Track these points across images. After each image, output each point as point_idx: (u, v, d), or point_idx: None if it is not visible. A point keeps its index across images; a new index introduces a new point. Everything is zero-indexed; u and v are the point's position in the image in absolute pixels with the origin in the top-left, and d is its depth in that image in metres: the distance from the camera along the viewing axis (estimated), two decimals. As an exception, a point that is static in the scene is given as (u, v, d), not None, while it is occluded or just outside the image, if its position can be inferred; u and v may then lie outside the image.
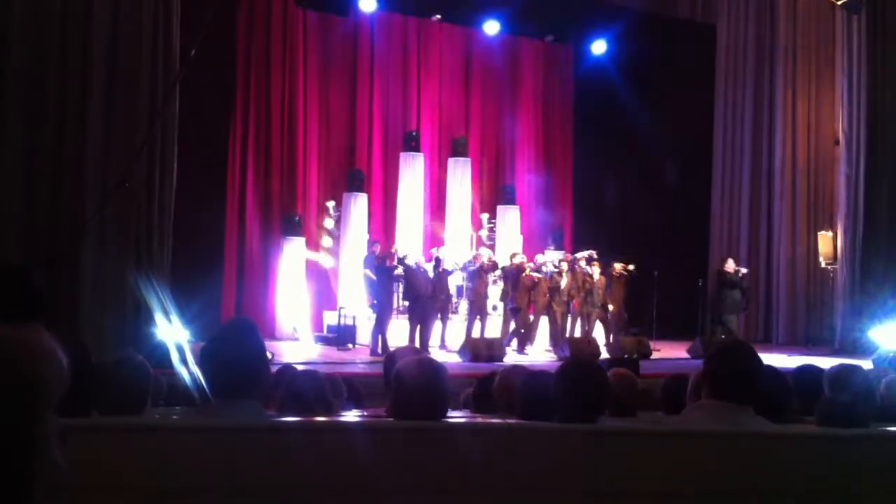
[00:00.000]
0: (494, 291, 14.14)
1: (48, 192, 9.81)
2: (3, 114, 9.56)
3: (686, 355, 13.69)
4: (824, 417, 3.49)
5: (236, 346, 2.87)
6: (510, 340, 13.40)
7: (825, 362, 5.23)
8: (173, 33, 10.67)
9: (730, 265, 14.91)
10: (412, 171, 16.47)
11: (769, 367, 3.77)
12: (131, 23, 10.27)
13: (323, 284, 15.95)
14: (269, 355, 3.54)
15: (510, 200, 17.30)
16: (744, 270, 15.08)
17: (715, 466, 2.93)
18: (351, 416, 3.98)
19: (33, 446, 1.10)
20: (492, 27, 17.68)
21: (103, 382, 3.35)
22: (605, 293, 14.21)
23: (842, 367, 4.63)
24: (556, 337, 13.63)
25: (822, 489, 2.96)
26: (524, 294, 13.32)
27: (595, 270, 14.10)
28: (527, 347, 13.50)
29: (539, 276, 13.52)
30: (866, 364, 7.02)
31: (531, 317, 13.74)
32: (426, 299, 12.63)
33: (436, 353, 11.68)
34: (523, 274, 13.31)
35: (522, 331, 13.49)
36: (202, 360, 2.87)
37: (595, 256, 14.31)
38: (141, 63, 10.32)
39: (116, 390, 3.39)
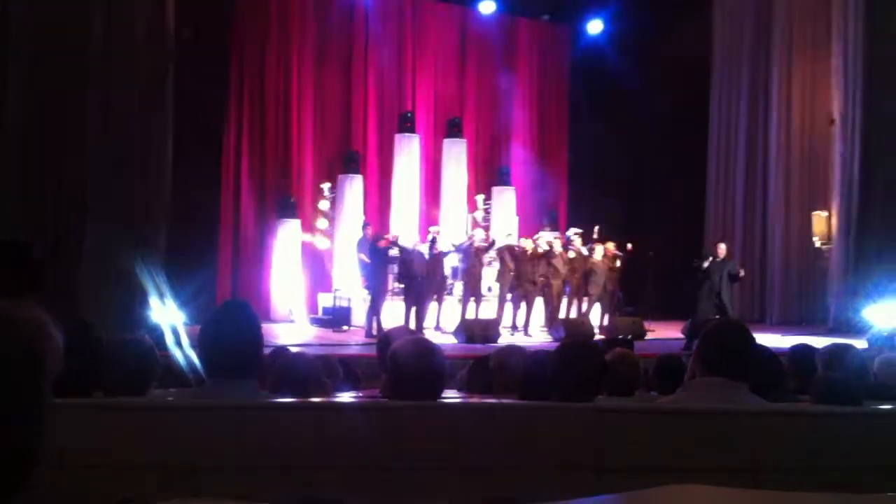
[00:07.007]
0: (490, 273, 14.14)
1: (49, 172, 9.76)
2: (3, 95, 9.50)
3: (680, 336, 13.69)
4: (820, 394, 3.51)
5: (233, 326, 2.88)
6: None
7: (819, 342, 5.25)
8: (167, 13, 10.60)
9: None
10: (407, 152, 16.43)
11: (762, 346, 3.79)
12: (127, 3, 10.20)
13: (318, 266, 15.95)
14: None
15: (505, 181, 17.29)
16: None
17: (711, 444, 2.94)
18: (346, 396, 3.98)
19: (41, 424, 1.11)
20: (487, 6, 17.62)
21: (109, 361, 3.37)
22: (605, 271, 14.15)
23: (835, 346, 4.65)
24: (552, 317, 13.65)
25: (817, 466, 2.97)
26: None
27: (598, 249, 14.06)
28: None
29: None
30: (860, 343, 7.06)
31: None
32: (421, 281, 12.63)
33: (431, 335, 11.69)
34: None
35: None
36: (200, 341, 2.88)
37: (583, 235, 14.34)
38: (134, 46, 10.25)
39: (121, 370, 3.40)
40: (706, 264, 12.24)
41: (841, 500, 2.00)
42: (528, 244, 13.70)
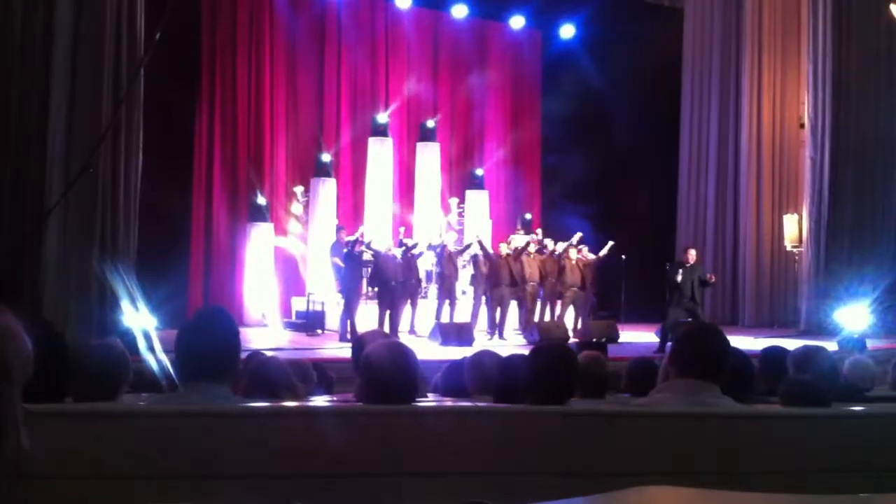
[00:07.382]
0: (464, 275, 14.14)
1: (11, 178, 9.66)
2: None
3: (655, 339, 13.73)
4: (788, 396, 3.54)
5: (210, 331, 2.86)
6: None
7: (791, 343, 5.29)
8: (137, 16, 10.53)
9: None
10: (380, 156, 16.40)
11: (734, 348, 3.82)
12: (94, 5, 10.11)
13: (291, 270, 15.88)
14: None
15: (479, 185, 17.31)
16: None
17: (683, 446, 2.96)
18: (320, 400, 3.97)
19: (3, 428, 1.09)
20: (460, 11, 17.64)
21: (78, 367, 3.33)
22: (579, 275, 14.12)
23: (806, 347, 4.69)
24: (527, 321, 13.66)
25: (787, 467, 2.99)
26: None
27: (572, 252, 14.04)
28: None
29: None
30: (831, 345, 7.12)
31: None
32: (395, 284, 12.60)
33: (405, 338, 11.67)
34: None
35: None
36: (177, 345, 2.86)
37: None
38: (104, 47, 10.17)
39: (90, 375, 3.36)
40: (679, 278, 12.24)
41: (809, 502, 2.02)
42: (503, 248, 13.70)
